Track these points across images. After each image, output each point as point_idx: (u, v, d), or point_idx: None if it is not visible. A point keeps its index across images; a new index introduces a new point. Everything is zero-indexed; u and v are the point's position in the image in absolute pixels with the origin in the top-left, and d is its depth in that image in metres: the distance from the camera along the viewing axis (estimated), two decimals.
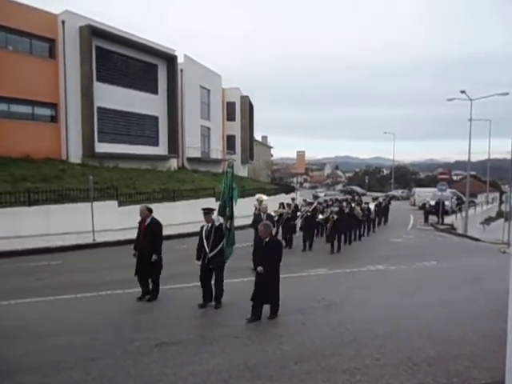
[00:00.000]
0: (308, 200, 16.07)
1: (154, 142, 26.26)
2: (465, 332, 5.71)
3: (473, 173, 49.64)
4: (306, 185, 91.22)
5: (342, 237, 13.57)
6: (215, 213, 6.78)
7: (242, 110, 38.35)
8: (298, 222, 13.60)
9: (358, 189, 58.23)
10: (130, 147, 23.96)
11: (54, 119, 20.95)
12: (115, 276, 8.60)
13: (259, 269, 5.86)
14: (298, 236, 13.64)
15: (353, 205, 15.48)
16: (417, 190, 39.00)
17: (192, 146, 29.67)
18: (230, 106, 37.95)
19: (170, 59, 26.59)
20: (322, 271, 10.04)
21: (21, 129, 19.02)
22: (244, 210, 14.62)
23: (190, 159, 29.57)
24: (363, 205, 17.59)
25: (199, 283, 6.70)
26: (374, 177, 72.78)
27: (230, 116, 38.01)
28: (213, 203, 21.10)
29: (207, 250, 6.48)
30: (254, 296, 5.91)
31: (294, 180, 65.83)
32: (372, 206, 18.45)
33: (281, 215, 13.58)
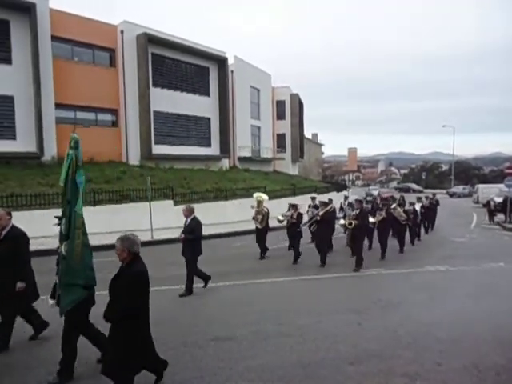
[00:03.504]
0: (325, 200, 12.14)
1: (207, 143, 27.01)
2: None
3: None
4: (359, 182, 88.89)
5: (365, 248, 11.11)
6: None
7: (291, 108, 38.15)
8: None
9: (414, 186, 55.66)
10: (184, 148, 24.88)
11: (114, 124, 22.33)
12: (173, 272, 8.94)
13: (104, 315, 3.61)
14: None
15: (393, 205, 12.53)
16: (480, 186, 36.40)
17: (243, 146, 30.15)
18: (280, 105, 37.93)
19: (220, 61, 27.17)
20: (377, 271, 9.71)
21: (86, 134, 20.34)
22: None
23: (241, 159, 30.03)
24: (407, 206, 14.39)
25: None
26: (431, 173, 68.95)
27: (280, 114, 37.98)
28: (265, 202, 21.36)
29: (57, 282, 4.20)
30: None
31: (346, 178, 64.37)
32: (418, 208, 15.17)
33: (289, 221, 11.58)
